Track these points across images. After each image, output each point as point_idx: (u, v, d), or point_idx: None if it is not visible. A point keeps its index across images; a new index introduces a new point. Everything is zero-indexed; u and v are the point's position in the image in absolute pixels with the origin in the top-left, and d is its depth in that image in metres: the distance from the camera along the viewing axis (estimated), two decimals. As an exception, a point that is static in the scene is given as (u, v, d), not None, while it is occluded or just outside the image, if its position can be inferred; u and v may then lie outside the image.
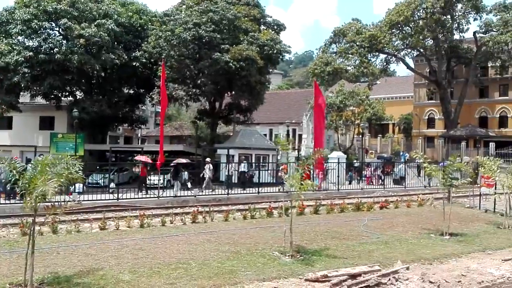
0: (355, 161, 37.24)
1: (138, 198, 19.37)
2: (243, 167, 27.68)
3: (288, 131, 53.60)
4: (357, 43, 47.73)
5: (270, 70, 33.44)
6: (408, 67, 54.58)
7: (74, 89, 35.55)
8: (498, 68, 53.24)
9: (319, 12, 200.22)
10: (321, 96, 23.33)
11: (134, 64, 33.78)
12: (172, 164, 28.15)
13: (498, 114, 54.12)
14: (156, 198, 19.31)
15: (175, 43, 28.91)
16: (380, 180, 29.62)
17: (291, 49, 34.23)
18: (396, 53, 52.29)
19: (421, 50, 53.35)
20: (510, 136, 50.57)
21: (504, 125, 53.62)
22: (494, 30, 45.97)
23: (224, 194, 21.11)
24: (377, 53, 52.50)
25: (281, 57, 32.01)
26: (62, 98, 36.00)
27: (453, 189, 15.54)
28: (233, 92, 32.28)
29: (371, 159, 41.27)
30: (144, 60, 34.02)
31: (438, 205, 18.51)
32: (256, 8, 34.85)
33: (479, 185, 18.58)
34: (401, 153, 53.94)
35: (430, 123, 59.87)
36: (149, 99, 39.27)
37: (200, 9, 30.06)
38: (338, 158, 32.41)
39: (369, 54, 52.56)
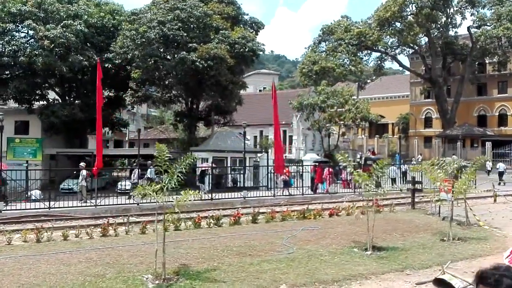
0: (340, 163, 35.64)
1: (74, 206, 18.05)
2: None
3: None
4: (345, 41, 46.13)
5: (244, 68, 31.92)
6: (401, 64, 52.81)
7: (45, 92, 34.65)
8: (496, 64, 51.14)
9: (328, 13, 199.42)
10: (275, 101, 21.70)
11: (106, 65, 32.69)
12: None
13: (497, 112, 51.81)
14: (94, 207, 18.03)
15: (139, 42, 27.73)
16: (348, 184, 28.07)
17: (264, 47, 32.58)
18: (388, 51, 50.56)
19: (415, 47, 51.57)
20: (510, 135, 48.29)
21: (503, 123, 51.30)
22: (488, 24, 43.99)
23: (171, 201, 19.64)
24: (368, 51, 50.89)
25: (254, 55, 30.49)
26: (35, 102, 35.15)
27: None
28: (204, 93, 30.90)
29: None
30: (117, 62, 32.91)
31: (398, 212, 16.95)
32: (231, 5, 33.52)
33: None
34: (396, 155, 52.08)
35: (427, 122, 57.78)
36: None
37: (167, 6, 28.86)
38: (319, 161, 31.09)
39: (360, 53, 51.01)
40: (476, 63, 51.31)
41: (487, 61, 51.38)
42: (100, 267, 8.68)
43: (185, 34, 28.13)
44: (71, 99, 36.67)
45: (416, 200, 17.96)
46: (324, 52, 47.88)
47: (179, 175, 8.85)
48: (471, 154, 46.78)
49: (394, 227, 13.22)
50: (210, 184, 25.04)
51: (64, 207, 17.48)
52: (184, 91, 29.38)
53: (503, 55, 44.99)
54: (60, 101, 36.03)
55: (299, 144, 50.95)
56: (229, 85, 29.59)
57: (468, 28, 47.08)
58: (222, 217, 14.36)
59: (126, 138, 53.32)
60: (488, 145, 44.95)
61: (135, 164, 24.03)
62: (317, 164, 28.98)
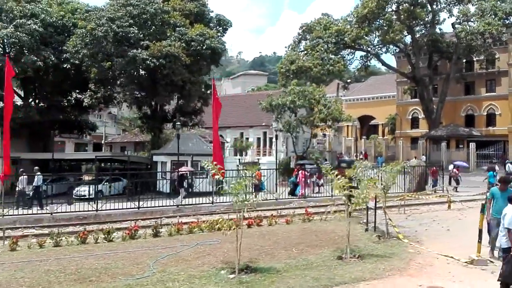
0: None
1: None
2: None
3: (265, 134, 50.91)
4: (324, 39, 44.59)
5: (202, 68, 30.37)
6: (384, 63, 51.13)
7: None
8: (483, 62, 49.32)
9: (334, 15, 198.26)
10: (216, 98, 20.17)
11: (65, 66, 31.47)
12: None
13: (486, 112, 49.93)
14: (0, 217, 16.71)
15: (87, 40, 26.44)
16: (317, 188, 26.53)
17: (225, 45, 31.11)
18: (371, 49, 48.90)
19: (400, 46, 49.89)
20: (498, 135, 46.38)
21: (492, 123, 49.42)
22: (472, 20, 42.22)
23: (93, 210, 18.27)
24: (351, 50, 49.28)
25: (214, 54, 28.97)
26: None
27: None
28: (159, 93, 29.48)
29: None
30: (77, 62, 31.65)
31: (330, 221, 15.43)
32: (194, 2, 32.14)
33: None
34: (378, 157, 50.36)
35: (414, 123, 56.03)
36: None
37: (119, 3, 27.55)
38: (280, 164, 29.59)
39: (343, 51, 49.42)
40: (464, 61, 49.50)
41: (474, 59, 49.59)
42: None
43: (137, 31, 26.82)
44: (33, 101, 35.47)
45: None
46: (303, 51, 46.40)
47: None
48: (456, 155, 44.96)
49: (302, 241, 11.73)
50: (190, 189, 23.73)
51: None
52: (137, 91, 28.00)
53: (486, 52, 43.17)
54: (22, 103, 34.86)
55: (280, 146, 49.41)
56: (186, 85, 28.16)
57: (453, 24, 45.36)
58: (114, 230, 12.92)
59: (103, 141, 52.13)
60: (472, 146, 43.14)
61: (21, 170, 22.51)
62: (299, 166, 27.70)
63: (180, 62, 26.59)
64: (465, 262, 9.50)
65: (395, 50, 51.87)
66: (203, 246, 11.33)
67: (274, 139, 49.13)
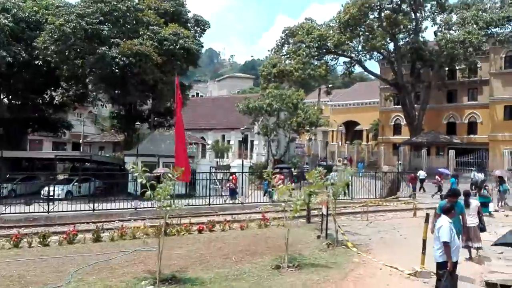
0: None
1: None
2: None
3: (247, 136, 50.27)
4: (306, 44, 44.24)
5: (175, 68, 29.64)
6: (366, 70, 50.82)
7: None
8: (465, 70, 49.40)
9: (327, 20, 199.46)
10: (179, 98, 19.28)
11: (36, 63, 30.61)
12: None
13: (467, 120, 49.95)
14: None
15: (56, 37, 25.69)
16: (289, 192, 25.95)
17: (198, 45, 30.50)
18: (354, 55, 48.67)
19: (383, 53, 49.77)
20: (479, 143, 46.31)
21: (473, 131, 49.45)
22: (453, 29, 42.23)
23: (44, 212, 17.51)
24: (334, 56, 49.01)
25: (187, 54, 28.35)
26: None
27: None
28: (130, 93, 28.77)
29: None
30: (48, 59, 30.80)
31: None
32: (170, 1, 31.54)
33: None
34: (359, 163, 50.10)
35: (397, 129, 55.85)
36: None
37: (90, -1, 26.90)
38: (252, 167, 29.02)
39: (326, 57, 49.12)
40: (446, 69, 49.50)
41: (457, 68, 49.62)
42: None
43: (108, 29, 26.15)
44: (5, 98, 34.52)
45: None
46: (286, 55, 45.98)
47: None
48: (436, 162, 44.81)
49: (248, 248, 11.14)
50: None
51: None
52: (108, 90, 27.29)
53: (467, 61, 43.17)
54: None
55: (260, 150, 48.89)
56: (158, 85, 27.50)
57: (435, 32, 45.39)
58: (51, 234, 12.19)
59: (81, 141, 51.08)
60: (452, 153, 43.03)
61: None
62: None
63: (151, 61, 25.94)
64: (408, 274, 8.99)
65: (379, 57, 51.77)
66: (140, 253, 10.67)
67: (255, 142, 48.85)
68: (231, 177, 27.01)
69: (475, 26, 39.17)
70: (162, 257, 9.61)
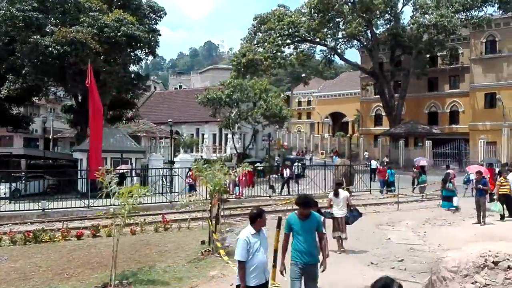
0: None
1: None
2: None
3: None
4: (277, 31, 42.38)
5: (119, 57, 27.86)
6: (342, 58, 48.91)
7: None
8: (445, 57, 47.46)
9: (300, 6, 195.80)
10: (93, 87, 17.58)
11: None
12: None
13: (449, 109, 47.97)
14: None
15: (-17, 25, 24.03)
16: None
17: (150, 32, 28.66)
18: (328, 43, 46.75)
19: (362, 40, 47.85)
20: (460, 133, 44.42)
21: (455, 121, 47.51)
22: (428, 13, 40.16)
23: None
24: (309, 44, 47.10)
25: (128, 40, 26.34)
26: None
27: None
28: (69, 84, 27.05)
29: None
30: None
31: (193, 229, 13.21)
32: (119, -14, 29.74)
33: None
34: (333, 156, 48.23)
35: (378, 120, 53.97)
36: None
37: (25, -16, 25.07)
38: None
39: (302, 45, 47.25)
40: (427, 56, 47.45)
41: (438, 54, 47.63)
42: None
43: (44, 16, 24.40)
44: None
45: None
46: (256, 44, 44.12)
47: None
48: (414, 153, 42.95)
49: (101, 259, 9.49)
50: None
51: None
52: (45, 81, 25.61)
53: (446, 47, 41.22)
54: None
55: (235, 143, 47.19)
56: (100, 75, 25.75)
57: (411, 17, 43.35)
58: None
59: (50, 136, 49.45)
60: (428, 143, 41.27)
61: None
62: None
63: (89, 49, 24.19)
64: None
65: (360, 45, 49.88)
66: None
67: (229, 136, 47.07)
68: (189, 173, 25.51)
69: (450, 9, 37.19)
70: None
